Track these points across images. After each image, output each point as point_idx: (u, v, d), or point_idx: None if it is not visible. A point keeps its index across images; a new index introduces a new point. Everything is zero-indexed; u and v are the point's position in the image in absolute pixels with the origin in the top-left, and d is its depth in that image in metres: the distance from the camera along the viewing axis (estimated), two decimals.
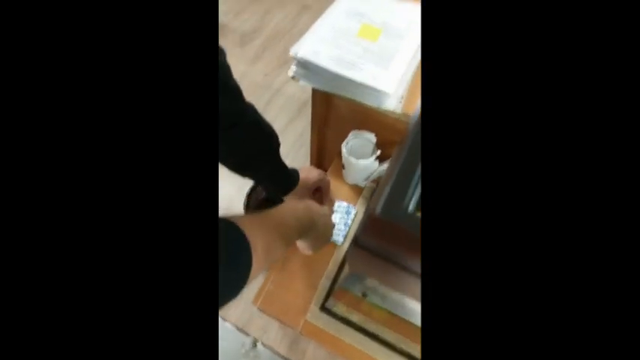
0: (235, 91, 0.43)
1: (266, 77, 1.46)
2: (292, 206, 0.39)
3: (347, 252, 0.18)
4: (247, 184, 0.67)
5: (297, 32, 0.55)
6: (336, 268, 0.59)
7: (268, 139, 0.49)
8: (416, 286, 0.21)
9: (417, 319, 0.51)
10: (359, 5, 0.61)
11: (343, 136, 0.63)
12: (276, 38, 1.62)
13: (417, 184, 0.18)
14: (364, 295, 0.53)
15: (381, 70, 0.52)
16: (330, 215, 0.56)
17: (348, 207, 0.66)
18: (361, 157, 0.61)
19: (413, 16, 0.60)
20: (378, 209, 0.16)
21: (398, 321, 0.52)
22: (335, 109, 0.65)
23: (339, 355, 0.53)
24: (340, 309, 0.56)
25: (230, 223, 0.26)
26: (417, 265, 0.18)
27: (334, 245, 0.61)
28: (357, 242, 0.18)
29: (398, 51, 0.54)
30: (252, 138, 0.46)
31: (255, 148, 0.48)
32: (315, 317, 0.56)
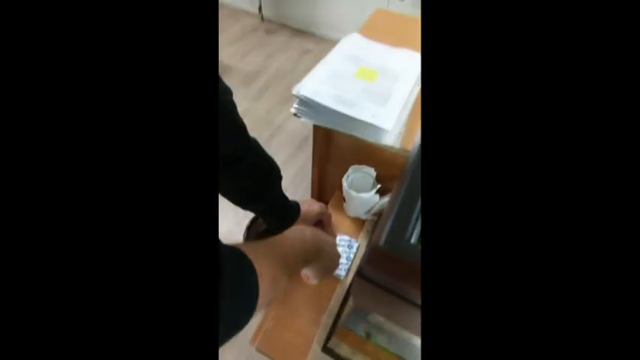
0: (240, 127, 0.45)
1: (268, 114, 1.52)
2: (299, 231, 0.39)
3: (351, 284, 0.18)
4: (246, 218, 0.67)
5: (299, 73, 0.59)
6: (338, 304, 0.57)
7: (271, 172, 0.50)
8: (419, 320, 0.20)
9: None
10: (357, 50, 0.66)
11: (343, 171, 0.64)
12: (279, 78, 1.72)
13: (418, 216, 0.18)
14: (368, 335, 0.51)
15: (379, 108, 0.55)
16: (335, 244, 0.56)
17: (350, 241, 0.66)
18: (362, 190, 0.62)
19: (407, 60, 0.65)
20: (382, 240, 0.16)
21: None
22: (335, 144, 0.67)
23: None
24: (344, 350, 0.53)
25: (236, 251, 0.25)
26: (419, 297, 0.18)
27: (337, 280, 0.60)
28: (360, 273, 0.18)
29: (394, 91, 0.58)
30: (255, 171, 0.48)
31: (258, 181, 0.49)
32: (316, 358, 0.53)
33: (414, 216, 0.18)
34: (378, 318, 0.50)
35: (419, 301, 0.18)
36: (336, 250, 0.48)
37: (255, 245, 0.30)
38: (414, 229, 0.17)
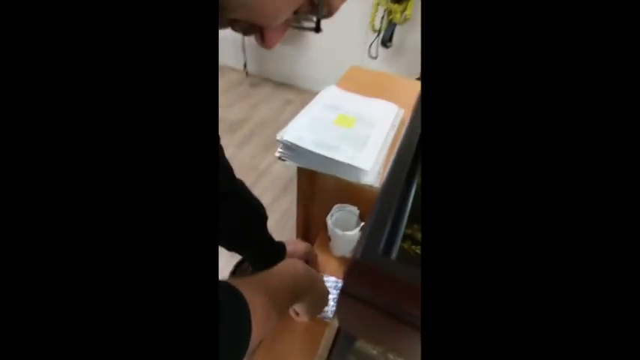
0: (226, 167, 0.47)
1: (253, 160, 1.56)
2: (291, 264, 0.39)
3: (336, 305, 0.18)
4: (232, 261, 0.66)
5: (282, 121, 0.63)
6: (328, 347, 0.55)
7: (257, 212, 0.52)
8: (408, 341, 0.21)
9: None
10: (335, 101, 0.72)
11: (327, 210, 0.67)
12: (263, 126, 1.80)
13: (389, 229, 0.19)
14: None
15: (358, 151, 0.59)
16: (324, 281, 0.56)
17: (337, 282, 0.65)
18: (346, 229, 0.64)
19: (381, 108, 0.72)
20: (359, 253, 0.17)
21: None
22: (319, 185, 0.70)
23: None
24: None
25: (229, 286, 0.25)
26: (405, 313, 0.18)
27: (325, 323, 0.58)
28: (343, 290, 0.19)
29: (371, 135, 0.63)
30: (241, 211, 0.49)
31: (244, 221, 0.50)
32: None
33: (387, 228, 0.19)
34: (365, 347, 0.49)
35: (405, 317, 0.18)
36: (325, 285, 0.48)
37: (247, 280, 0.30)
38: (389, 242, 0.19)
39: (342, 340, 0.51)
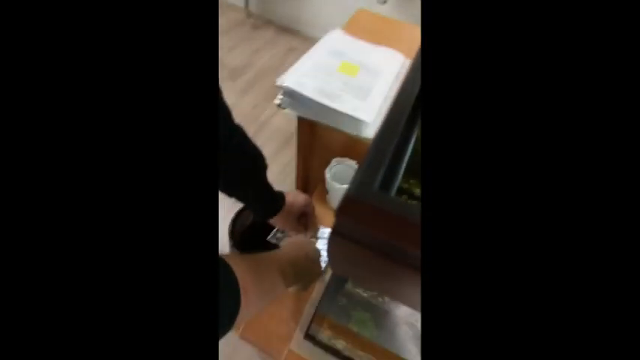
0: (226, 111, 0.46)
1: (254, 109, 1.51)
2: (293, 253, 0.41)
3: (327, 244, 0.17)
4: (231, 212, 0.68)
5: (284, 70, 0.59)
6: (320, 294, 0.59)
7: (256, 158, 0.51)
8: (405, 284, 0.21)
9: (405, 352, 0.51)
10: (339, 46, 0.67)
11: (327, 164, 0.66)
12: (265, 74, 1.72)
13: (386, 165, 0.18)
14: (349, 317, 0.53)
15: (360, 101, 0.57)
16: (315, 242, 0.57)
17: None
18: (345, 182, 0.64)
19: (387, 57, 0.67)
20: (352, 189, 0.16)
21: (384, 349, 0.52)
22: (319, 138, 0.68)
23: None
24: (325, 335, 0.54)
25: (222, 262, 0.26)
26: (404, 253, 0.17)
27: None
28: (335, 230, 0.18)
29: (375, 85, 0.60)
30: (240, 157, 0.48)
31: (244, 166, 0.49)
32: (299, 345, 0.54)
33: (384, 165, 0.18)
34: (357, 291, 0.51)
35: (404, 257, 0.18)
36: (320, 266, 0.49)
37: (245, 258, 0.31)
38: (388, 178, 0.18)
39: (333, 283, 0.54)
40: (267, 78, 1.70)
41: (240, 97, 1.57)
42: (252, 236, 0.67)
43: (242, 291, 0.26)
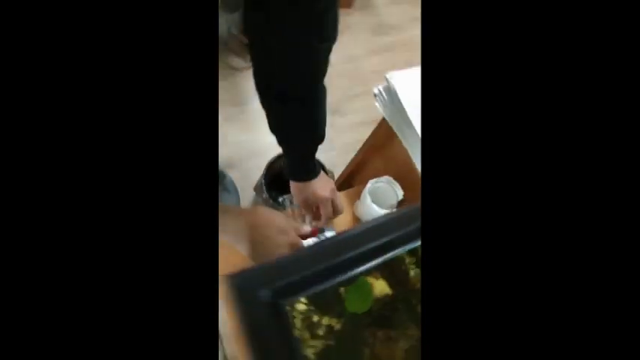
0: (315, 72, 0.44)
1: (372, 74, 1.43)
2: (262, 218, 0.41)
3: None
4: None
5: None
6: None
7: (317, 127, 0.50)
8: None
9: None
10: None
11: (378, 174, 0.61)
12: (407, 46, 1.57)
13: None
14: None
15: None
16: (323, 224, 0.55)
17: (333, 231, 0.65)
18: (379, 201, 0.60)
19: None
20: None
21: None
22: (389, 147, 0.63)
23: None
24: None
25: None
26: None
27: None
28: None
29: None
30: (302, 119, 0.48)
31: (302, 132, 0.49)
32: None
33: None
34: None
35: None
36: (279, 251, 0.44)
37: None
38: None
39: None
40: (407, 51, 1.56)
41: (367, 56, 1.49)
42: (279, 181, 0.68)
43: None
